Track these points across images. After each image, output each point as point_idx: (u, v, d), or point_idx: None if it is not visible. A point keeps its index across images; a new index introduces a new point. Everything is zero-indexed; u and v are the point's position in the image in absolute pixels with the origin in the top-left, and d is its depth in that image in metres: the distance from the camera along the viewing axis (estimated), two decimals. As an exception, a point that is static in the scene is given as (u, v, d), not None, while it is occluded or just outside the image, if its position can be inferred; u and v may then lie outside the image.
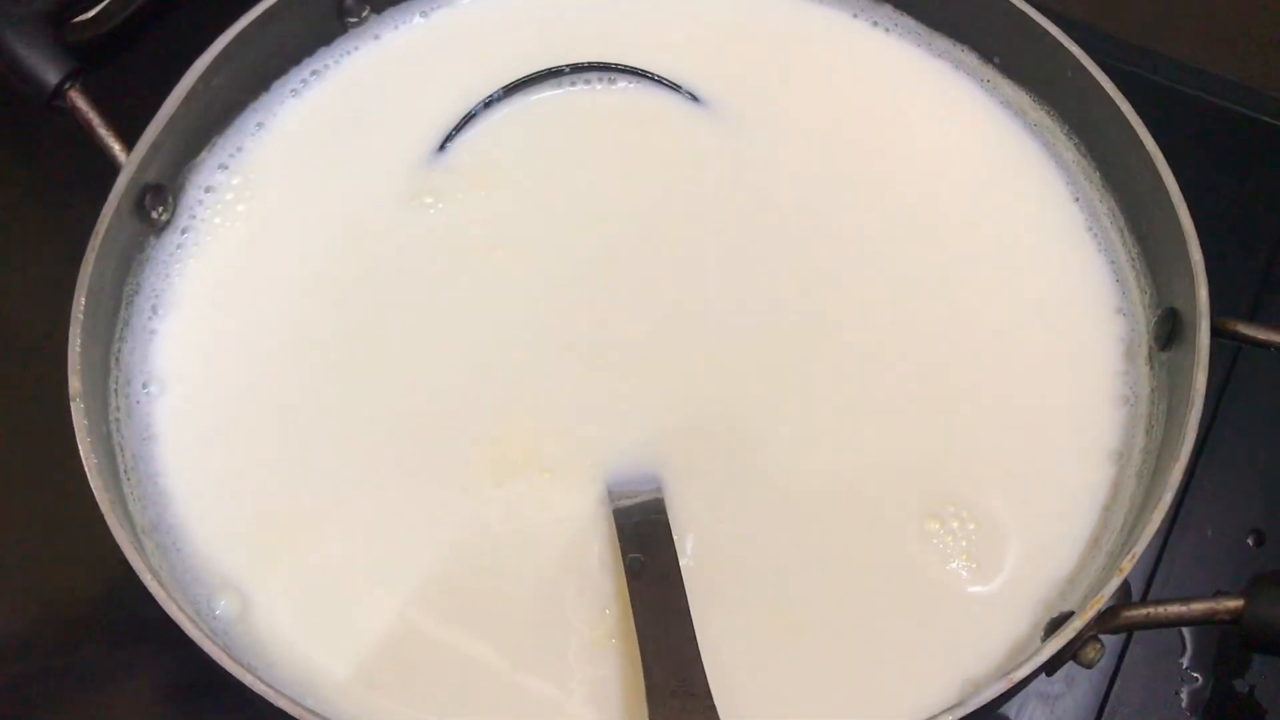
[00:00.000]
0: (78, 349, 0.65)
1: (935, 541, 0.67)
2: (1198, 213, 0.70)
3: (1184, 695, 0.76)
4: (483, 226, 0.76)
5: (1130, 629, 0.62)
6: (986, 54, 0.81)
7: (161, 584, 0.58)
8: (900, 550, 0.67)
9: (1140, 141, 0.71)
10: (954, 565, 0.66)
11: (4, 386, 0.83)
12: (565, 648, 0.65)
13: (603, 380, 0.71)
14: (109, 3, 0.77)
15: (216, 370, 0.71)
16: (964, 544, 0.67)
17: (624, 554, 0.64)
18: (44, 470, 0.78)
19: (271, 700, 0.56)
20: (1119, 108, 0.73)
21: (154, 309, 0.72)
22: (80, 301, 0.66)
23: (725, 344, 0.72)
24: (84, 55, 0.74)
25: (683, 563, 0.64)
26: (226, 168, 0.77)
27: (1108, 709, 0.76)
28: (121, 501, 0.64)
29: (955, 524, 0.67)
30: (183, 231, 0.75)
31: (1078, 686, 0.76)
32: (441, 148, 0.78)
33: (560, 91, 0.81)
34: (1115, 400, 0.72)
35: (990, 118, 0.81)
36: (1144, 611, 0.60)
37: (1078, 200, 0.77)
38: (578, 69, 0.80)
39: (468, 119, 0.79)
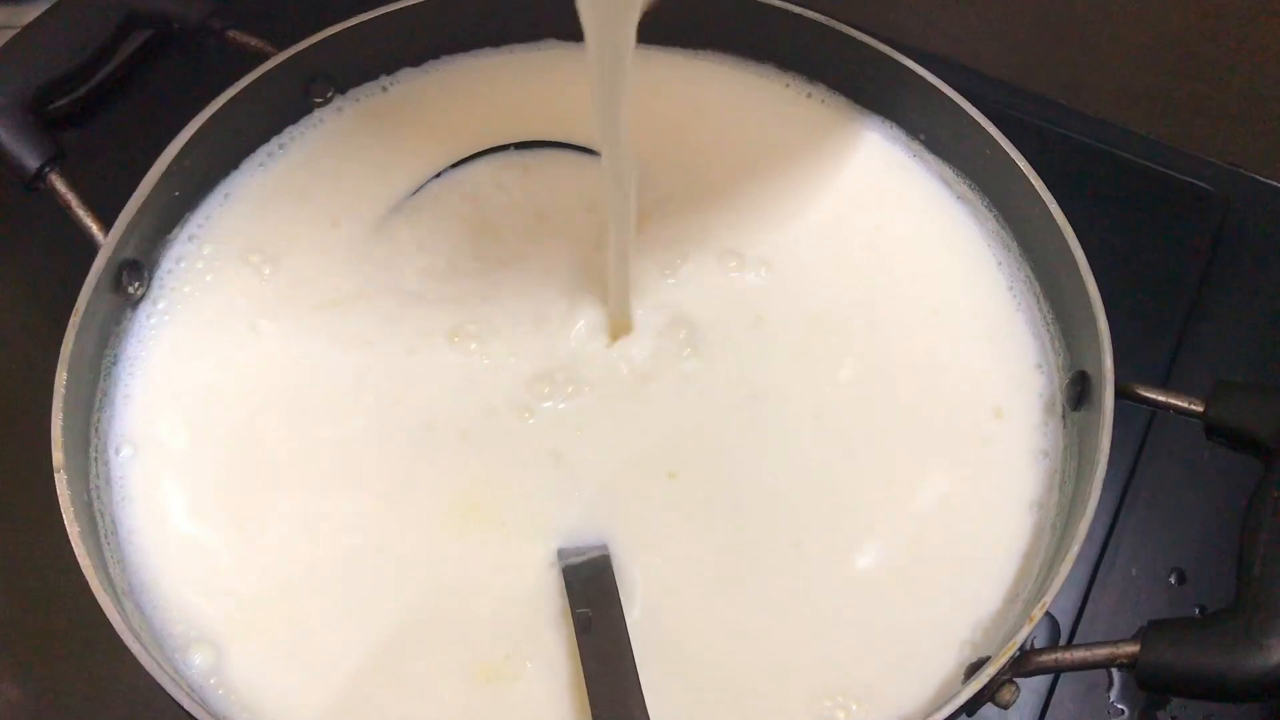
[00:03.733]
0: (60, 423, 0.67)
1: None
2: (1114, 270, 0.73)
3: (1111, 728, 0.78)
4: (432, 287, 0.79)
5: (1041, 673, 0.64)
6: (912, 130, 0.84)
7: (144, 646, 0.61)
8: None
9: (1052, 216, 0.74)
10: None
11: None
12: (518, 696, 0.67)
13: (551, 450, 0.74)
14: (82, 69, 0.79)
15: (186, 431, 0.74)
16: None
17: (573, 609, 0.67)
18: (32, 540, 0.79)
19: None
20: (1033, 184, 0.75)
21: (130, 375, 0.75)
22: (62, 377, 0.68)
23: (646, 417, 0.75)
24: (60, 122, 0.77)
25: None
26: (196, 238, 0.79)
27: (1039, 742, 0.78)
28: (103, 565, 0.66)
29: (841, 715, 0.67)
30: (156, 303, 0.77)
31: (1009, 721, 0.78)
32: (392, 214, 0.81)
33: (500, 160, 0.84)
34: (1035, 453, 0.74)
35: (919, 185, 0.83)
36: (1053, 657, 0.63)
37: (1000, 264, 0.80)
38: (522, 146, 0.84)
39: (417, 190, 0.82)
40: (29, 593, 0.81)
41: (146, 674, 0.62)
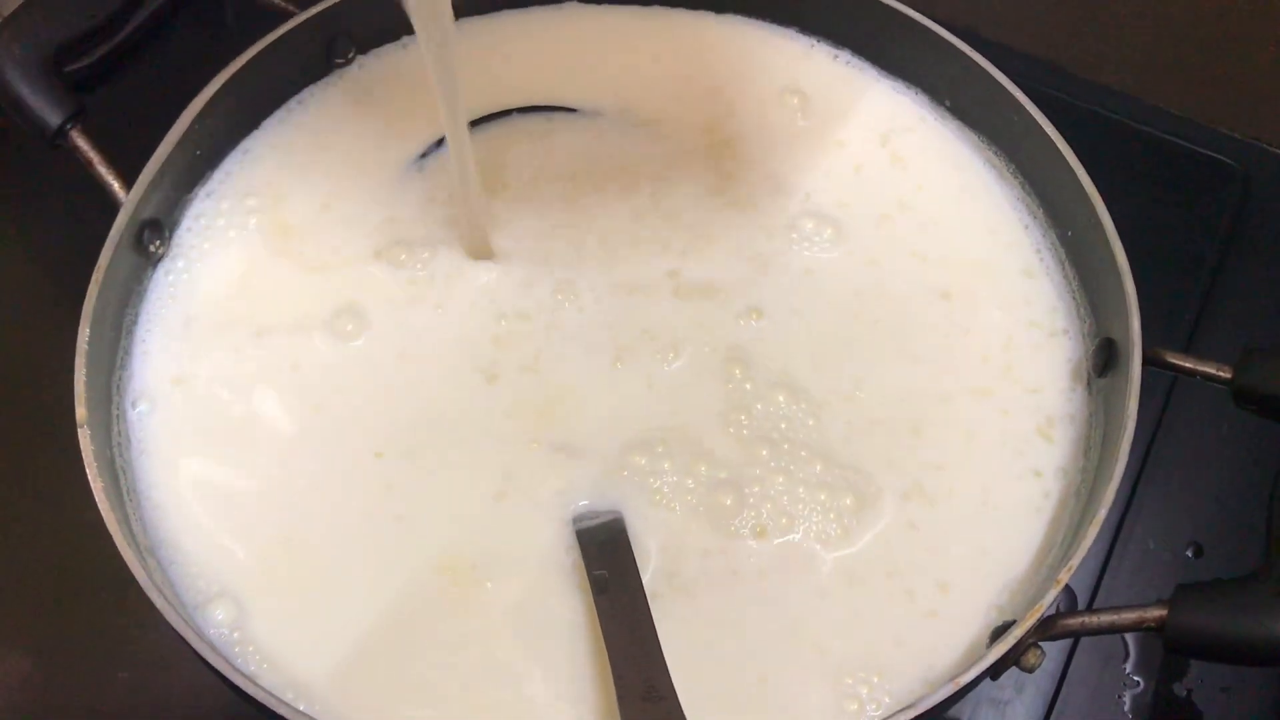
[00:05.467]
0: (83, 378, 0.67)
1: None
2: (1137, 243, 0.73)
3: (1126, 699, 0.79)
4: (449, 240, 0.79)
5: (1067, 636, 0.65)
6: (938, 97, 0.84)
7: (169, 601, 0.61)
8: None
9: (1079, 181, 0.74)
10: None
11: (12, 416, 0.85)
12: (543, 653, 0.67)
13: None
14: (103, 27, 0.78)
15: (203, 388, 0.74)
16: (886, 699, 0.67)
17: (589, 571, 0.67)
18: (54, 497, 0.80)
19: (274, 708, 0.59)
20: (1060, 150, 0.75)
21: (148, 332, 0.75)
22: (84, 333, 0.68)
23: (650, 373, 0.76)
24: (81, 84, 0.76)
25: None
26: (215, 195, 0.79)
27: (1054, 713, 0.78)
28: (126, 521, 0.66)
29: (864, 690, 0.67)
30: (176, 260, 0.77)
31: (1026, 691, 0.78)
32: (410, 170, 0.81)
33: (509, 123, 0.84)
34: (1061, 418, 0.74)
35: (945, 149, 0.83)
36: (1079, 620, 0.64)
37: (1027, 228, 0.80)
38: (524, 110, 0.84)
39: (434, 148, 0.82)
40: (47, 557, 0.81)
41: (165, 635, 0.62)
